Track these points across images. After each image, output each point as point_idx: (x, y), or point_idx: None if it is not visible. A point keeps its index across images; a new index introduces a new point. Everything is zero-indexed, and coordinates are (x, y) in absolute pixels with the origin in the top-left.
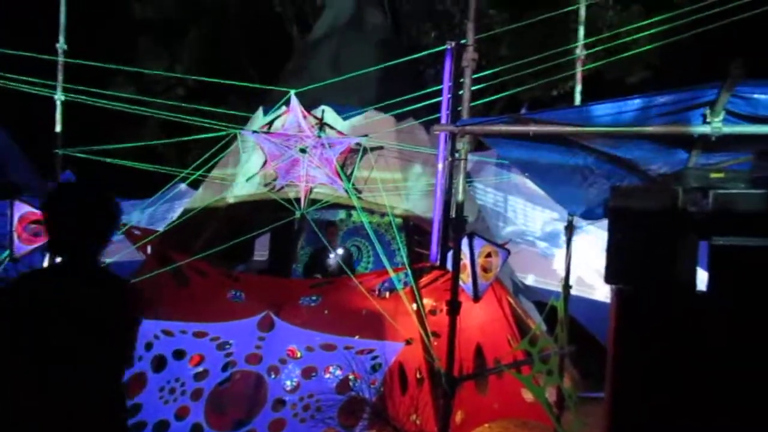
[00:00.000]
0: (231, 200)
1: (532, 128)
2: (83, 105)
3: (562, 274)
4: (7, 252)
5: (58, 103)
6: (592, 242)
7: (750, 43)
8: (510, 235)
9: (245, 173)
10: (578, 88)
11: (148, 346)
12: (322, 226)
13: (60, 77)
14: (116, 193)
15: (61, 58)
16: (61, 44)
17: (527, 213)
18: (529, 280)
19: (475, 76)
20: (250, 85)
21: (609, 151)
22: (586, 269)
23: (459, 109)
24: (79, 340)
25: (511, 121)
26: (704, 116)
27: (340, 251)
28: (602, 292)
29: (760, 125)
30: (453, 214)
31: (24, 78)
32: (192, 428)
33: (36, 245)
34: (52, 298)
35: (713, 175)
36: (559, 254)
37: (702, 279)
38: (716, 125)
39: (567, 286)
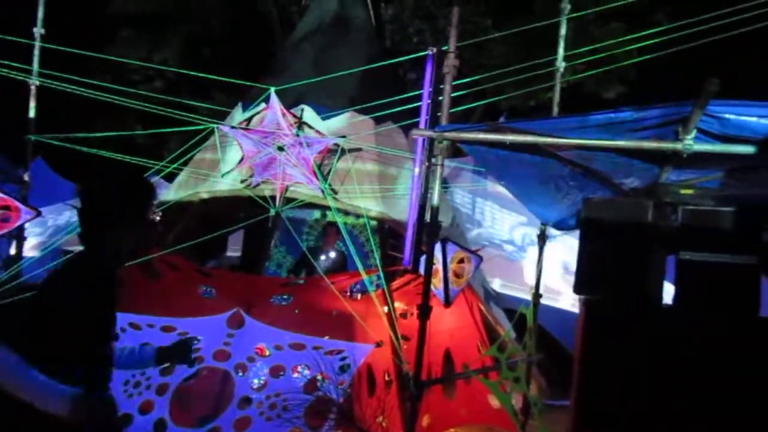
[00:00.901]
0: (205, 195)
1: (510, 137)
2: (60, 93)
3: (530, 281)
4: None
5: (33, 87)
6: (559, 249)
7: (726, 63)
8: (477, 237)
9: (221, 169)
10: (556, 99)
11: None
12: (299, 224)
13: (36, 62)
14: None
15: (38, 43)
16: (38, 29)
17: (495, 216)
18: (496, 284)
19: (456, 83)
20: (230, 80)
21: (583, 163)
22: (552, 276)
23: (438, 114)
24: None
25: (489, 129)
26: (677, 133)
27: (332, 254)
28: (568, 300)
29: (730, 144)
30: (428, 218)
31: None
32: (155, 423)
33: (2, 231)
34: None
35: (683, 191)
36: (528, 260)
37: (668, 292)
38: (688, 142)
39: (537, 295)
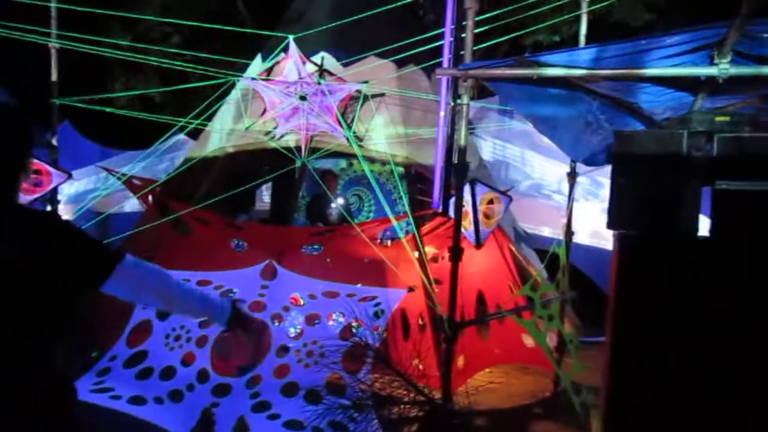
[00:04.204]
0: (231, 150)
1: (537, 71)
2: (79, 55)
3: (579, 226)
4: None
5: (53, 51)
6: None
7: None
8: (527, 188)
9: (245, 122)
10: (583, 30)
11: None
12: (323, 174)
13: (54, 24)
14: (110, 143)
15: (54, 4)
16: None
17: (543, 167)
18: (545, 232)
19: (477, 18)
20: (248, 30)
21: (613, 95)
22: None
23: (462, 53)
24: None
25: (515, 64)
26: (711, 58)
27: (340, 200)
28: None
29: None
30: (455, 160)
31: (16, 25)
32: (198, 373)
33: (36, 195)
34: None
35: (718, 119)
36: (577, 207)
37: (703, 225)
38: (723, 67)
39: (569, 232)
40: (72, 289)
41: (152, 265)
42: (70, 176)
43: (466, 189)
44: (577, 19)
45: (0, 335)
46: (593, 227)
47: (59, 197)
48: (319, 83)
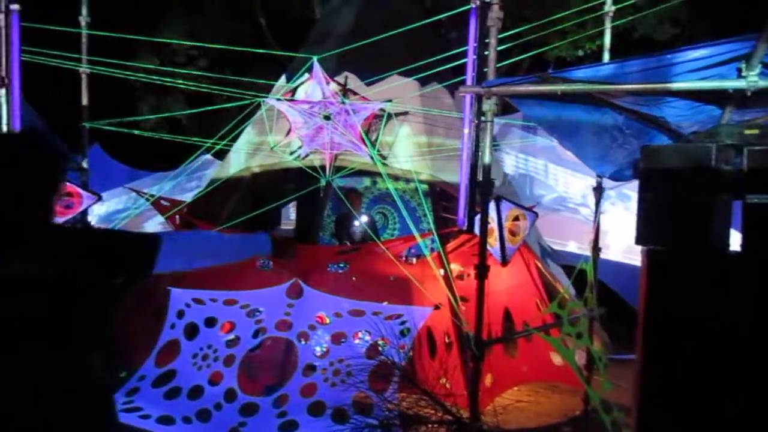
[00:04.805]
0: (256, 170)
1: (561, 87)
2: (107, 80)
3: (605, 241)
4: None
5: (83, 76)
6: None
7: None
8: (551, 202)
9: (270, 142)
10: (607, 45)
11: (180, 314)
12: (347, 193)
13: (84, 49)
14: (138, 165)
15: (84, 30)
16: (84, 16)
17: (567, 180)
18: (571, 247)
19: (500, 36)
20: (273, 52)
21: (639, 109)
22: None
23: (485, 70)
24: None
25: (538, 80)
26: (739, 70)
27: (364, 218)
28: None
29: None
30: (480, 177)
31: (48, 51)
32: (226, 393)
33: (67, 217)
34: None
35: (747, 132)
36: (605, 220)
37: (734, 240)
38: (752, 79)
39: (596, 248)
40: (115, 290)
41: (187, 232)
42: (100, 198)
43: (491, 206)
44: (600, 34)
45: (38, 347)
46: (625, 243)
47: (89, 218)
48: (343, 102)
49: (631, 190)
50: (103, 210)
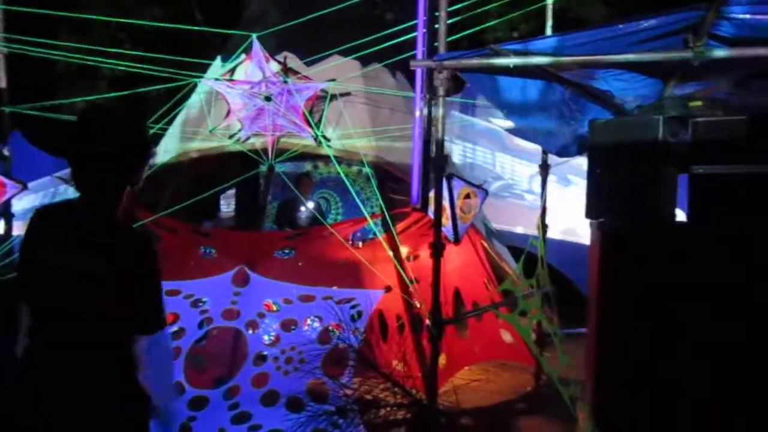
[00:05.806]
0: (194, 154)
1: (513, 60)
2: (30, 62)
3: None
4: None
5: (0, 55)
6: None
7: None
8: (498, 189)
9: (208, 125)
10: (549, 22)
11: None
12: (292, 177)
13: (0, 26)
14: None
15: (0, 6)
16: None
17: (514, 168)
18: (518, 230)
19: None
20: (211, 29)
21: (588, 83)
22: (577, 220)
23: (435, 44)
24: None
25: (491, 53)
26: (686, 41)
27: (311, 204)
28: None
29: (746, 48)
30: (433, 153)
31: None
32: None
33: None
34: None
35: (691, 104)
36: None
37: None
38: (699, 50)
39: (543, 225)
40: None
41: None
42: (25, 187)
43: (443, 184)
44: (535, 15)
45: (84, 343)
46: (565, 224)
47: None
48: (285, 82)
49: (574, 174)
50: (29, 203)
